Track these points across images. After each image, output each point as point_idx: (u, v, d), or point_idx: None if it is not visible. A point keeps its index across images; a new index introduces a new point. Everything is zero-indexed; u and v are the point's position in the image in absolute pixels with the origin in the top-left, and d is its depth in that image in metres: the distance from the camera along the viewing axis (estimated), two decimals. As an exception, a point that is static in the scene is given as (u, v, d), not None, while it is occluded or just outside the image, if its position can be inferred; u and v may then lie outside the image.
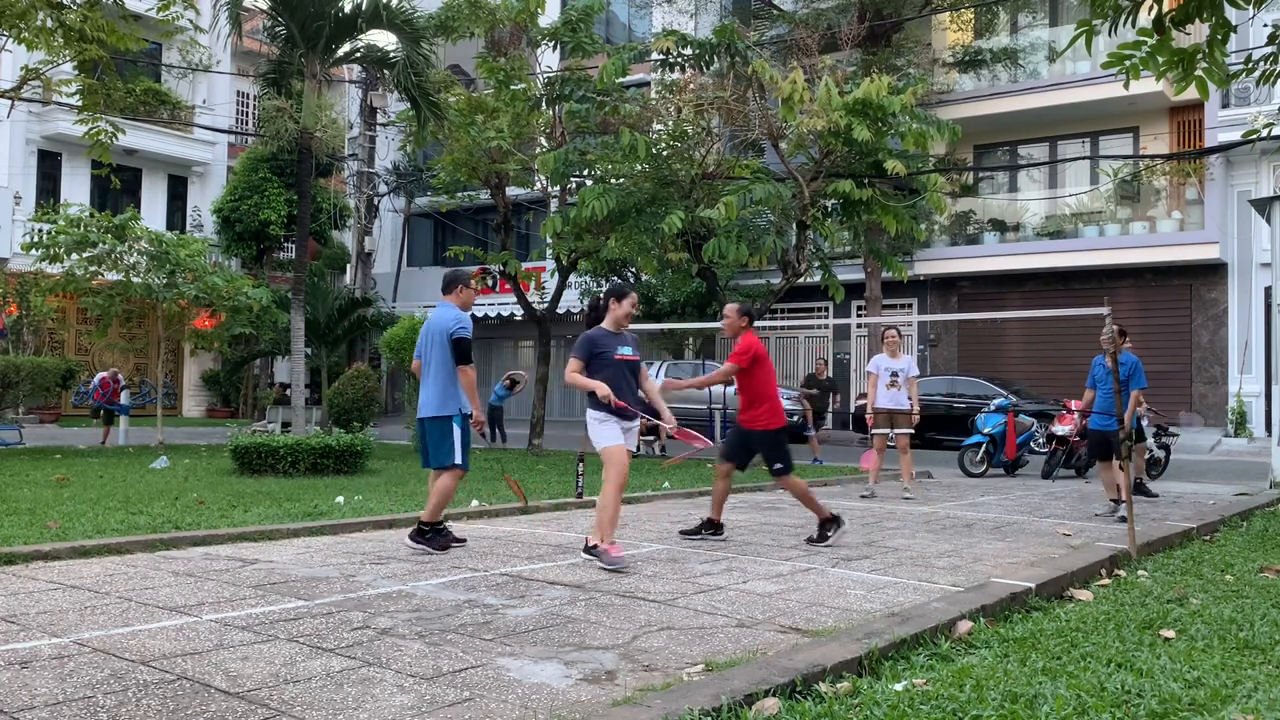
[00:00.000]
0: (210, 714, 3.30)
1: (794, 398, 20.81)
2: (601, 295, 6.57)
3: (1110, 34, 6.27)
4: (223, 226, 29.59)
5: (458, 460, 6.66)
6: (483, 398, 32.70)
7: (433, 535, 6.68)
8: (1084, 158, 22.46)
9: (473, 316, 31.96)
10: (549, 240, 16.77)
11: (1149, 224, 22.05)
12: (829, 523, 7.13)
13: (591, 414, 6.36)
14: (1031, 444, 14.66)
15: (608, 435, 6.29)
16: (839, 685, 3.69)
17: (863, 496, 10.99)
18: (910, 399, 10.95)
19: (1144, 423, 11.80)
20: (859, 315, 22.99)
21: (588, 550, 6.25)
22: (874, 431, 11.17)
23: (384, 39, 18.14)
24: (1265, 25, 8.95)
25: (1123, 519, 8.71)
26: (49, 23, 12.34)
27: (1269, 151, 20.45)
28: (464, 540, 6.92)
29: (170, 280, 17.13)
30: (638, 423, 6.51)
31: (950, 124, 13.96)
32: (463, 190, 19.12)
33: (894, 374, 10.92)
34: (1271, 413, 15.25)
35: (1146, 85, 18.67)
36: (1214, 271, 21.40)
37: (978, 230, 24.05)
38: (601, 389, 6.20)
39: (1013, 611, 5.10)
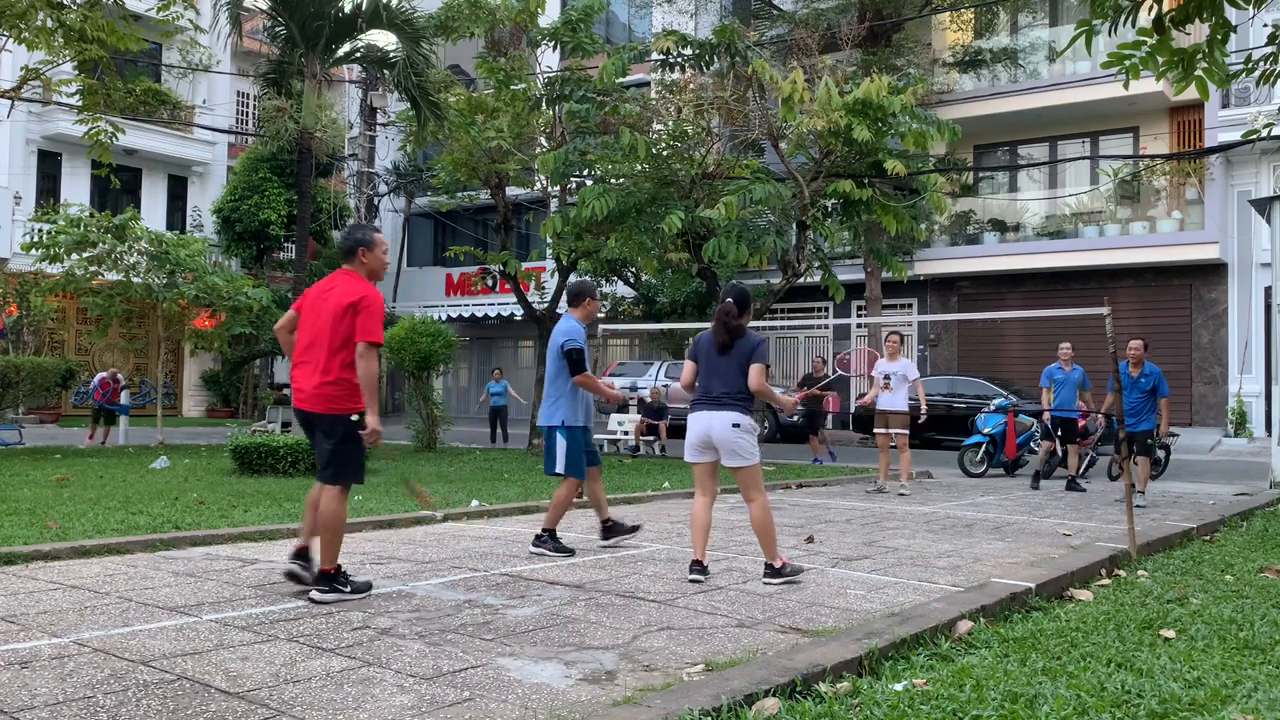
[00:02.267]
0: (210, 714, 3.30)
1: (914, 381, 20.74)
2: (741, 293, 5.98)
3: (1110, 34, 6.26)
4: (223, 226, 29.59)
5: (560, 469, 6.69)
6: (461, 399, 32.73)
7: (548, 539, 6.65)
8: (1084, 158, 22.46)
9: (473, 316, 31.88)
10: (549, 240, 16.77)
11: (1149, 224, 22.04)
12: (337, 576, 5.19)
13: (751, 423, 5.80)
14: (1031, 444, 14.64)
15: (758, 451, 5.83)
16: (839, 685, 3.69)
17: (868, 492, 11.11)
18: (916, 398, 11.35)
19: (1098, 423, 13.15)
20: (859, 315, 22.99)
21: (775, 573, 5.68)
22: (876, 431, 11.61)
23: (384, 39, 18.15)
24: (1265, 25, 8.95)
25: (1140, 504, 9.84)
26: (49, 23, 12.34)
27: (1269, 151, 20.44)
28: (572, 551, 6.67)
29: (170, 280, 17.13)
30: None
31: (950, 124, 13.95)
32: (463, 190, 19.12)
33: (887, 377, 11.26)
34: (1271, 413, 15.25)
35: (1146, 85, 18.67)
36: (1214, 271, 21.39)
37: (978, 230, 24.05)
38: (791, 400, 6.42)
39: (1013, 611, 5.10)
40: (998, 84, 23.45)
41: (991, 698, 3.52)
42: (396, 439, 19.28)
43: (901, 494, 10.94)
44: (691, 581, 5.74)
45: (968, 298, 23.97)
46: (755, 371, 5.76)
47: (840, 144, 13.82)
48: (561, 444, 6.71)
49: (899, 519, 9.00)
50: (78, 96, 13.72)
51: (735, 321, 5.83)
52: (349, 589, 5.15)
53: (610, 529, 7.01)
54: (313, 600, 5.04)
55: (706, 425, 5.79)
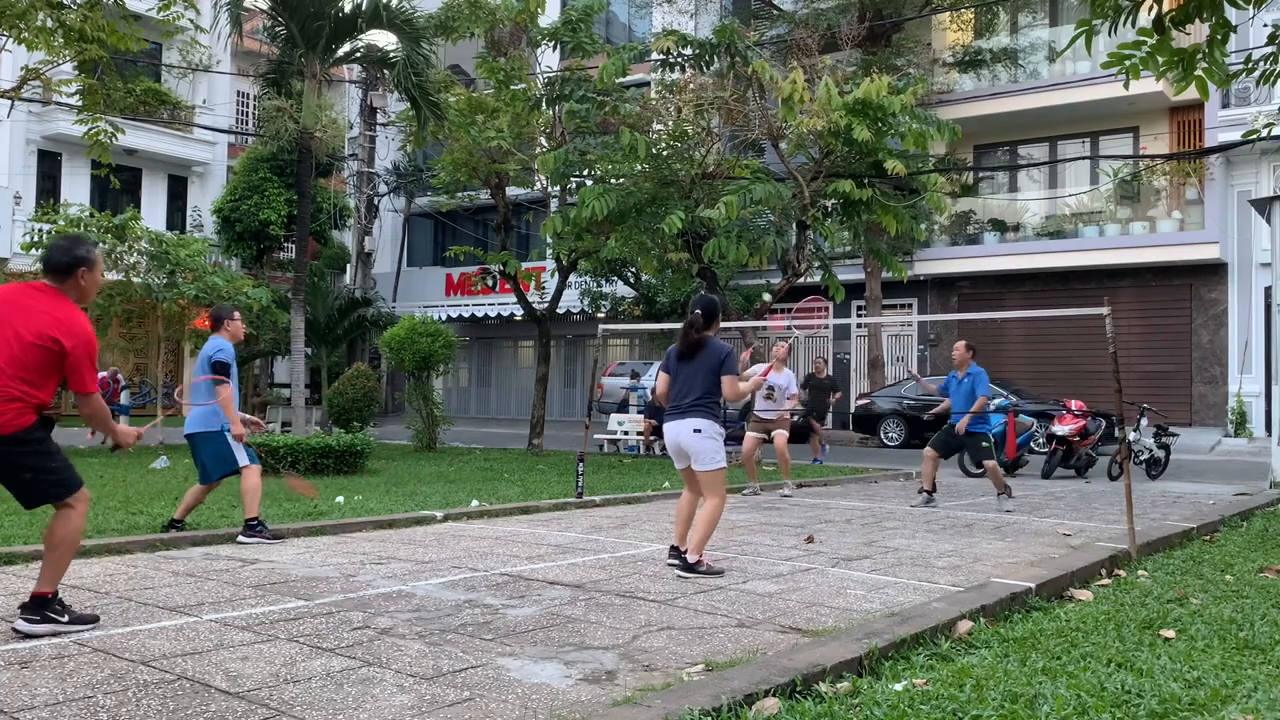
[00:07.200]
0: (210, 714, 3.30)
1: (793, 397, 20.81)
2: (708, 305, 6.27)
3: (1110, 34, 6.27)
4: (223, 226, 29.56)
5: (246, 461, 7.05)
6: (462, 399, 32.61)
7: (260, 526, 7.03)
8: (1084, 158, 22.46)
9: (473, 316, 31.78)
10: (549, 240, 16.78)
11: (1149, 224, 22.04)
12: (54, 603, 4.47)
13: (716, 428, 6.05)
14: (1031, 444, 14.65)
15: (723, 456, 6.08)
16: (839, 685, 3.69)
17: (745, 495, 10.93)
18: (783, 408, 11.51)
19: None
20: (859, 315, 22.98)
21: (688, 567, 5.92)
22: (750, 434, 11.47)
23: (384, 39, 18.13)
24: (1265, 25, 8.95)
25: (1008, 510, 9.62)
26: (49, 23, 12.32)
27: (1269, 151, 20.44)
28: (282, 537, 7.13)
29: (170, 280, 17.12)
30: None
31: (950, 124, 13.96)
32: (463, 190, 19.12)
33: (770, 389, 11.35)
34: (1271, 413, 15.24)
35: (1146, 85, 18.66)
36: (1214, 271, 21.39)
37: (978, 230, 24.04)
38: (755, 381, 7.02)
39: (1013, 611, 5.10)
40: (998, 84, 23.44)
41: (991, 698, 3.52)
42: (396, 439, 19.27)
43: (786, 495, 10.88)
44: (670, 565, 5.98)
45: (968, 298, 23.96)
46: (727, 384, 6.05)
47: (840, 144, 13.82)
48: (236, 443, 7.01)
49: (899, 519, 9.00)
50: (78, 96, 13.69)
51: (697, 334, 6.11)
52: (67, 619, 4.35)
53: (177, 522, 7.15)
54: (17, 631, 4.26)
55: (675, 433, 6.10)
